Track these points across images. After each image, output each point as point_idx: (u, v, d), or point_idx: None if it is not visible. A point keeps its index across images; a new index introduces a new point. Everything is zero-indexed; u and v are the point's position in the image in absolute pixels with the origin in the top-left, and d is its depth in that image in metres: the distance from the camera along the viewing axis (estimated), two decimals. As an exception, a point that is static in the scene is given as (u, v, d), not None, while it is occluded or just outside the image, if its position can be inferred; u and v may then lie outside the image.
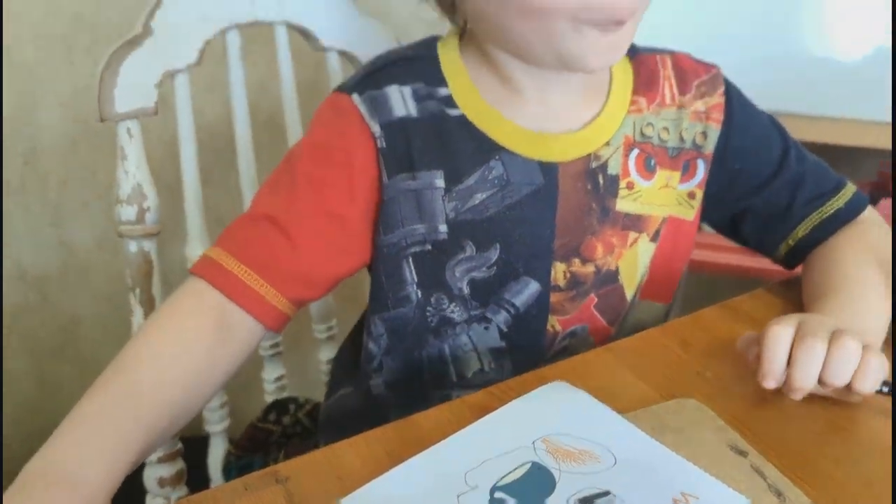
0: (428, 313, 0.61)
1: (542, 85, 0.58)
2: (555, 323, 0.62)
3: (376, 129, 0.56)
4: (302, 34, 0.78)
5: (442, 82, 0.58)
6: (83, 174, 1.20)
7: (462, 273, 0.59)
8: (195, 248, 0.75)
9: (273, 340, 0.84)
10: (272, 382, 0.85)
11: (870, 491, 0.44)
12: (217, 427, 0.80)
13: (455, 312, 0.60)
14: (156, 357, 0.50)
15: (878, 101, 1.25)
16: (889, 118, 1.25)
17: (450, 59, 0.59)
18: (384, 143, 0.57)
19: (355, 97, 0.57)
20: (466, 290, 0.59)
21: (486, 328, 0.61)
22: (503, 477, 0.44)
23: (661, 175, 0.62)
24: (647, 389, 0.52)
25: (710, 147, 0.63)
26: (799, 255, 0.65)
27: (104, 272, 1.28)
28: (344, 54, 0.81)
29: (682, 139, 0.62)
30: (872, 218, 0.66)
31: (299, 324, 0.91)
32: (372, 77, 0.58)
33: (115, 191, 0.70)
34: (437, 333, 0.61)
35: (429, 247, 0.59)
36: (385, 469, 0.44)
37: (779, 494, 0.43)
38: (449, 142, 0.57)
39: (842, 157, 1.42)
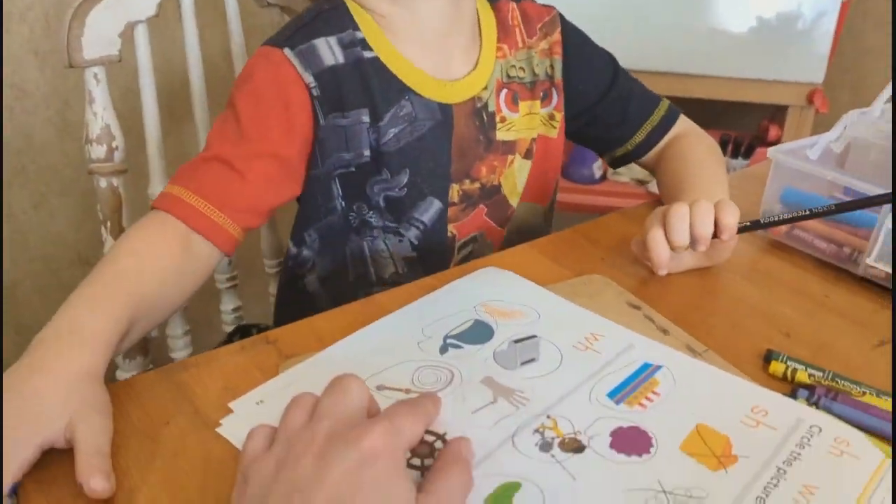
0: (350, 217, 0.72)
1: (411, 20, 0.68)
2: (452, 230, 0.75)
3: (309, 79, 0.65)
4: (248, -8, 0.87)
5: (356, 26, 0.67)
6: (18, 141, 1.23)
7: (379, 191, 0.71)
8: (157, 186, 0.82)
9: (230, 273, 0.92)
10: (230, 314, 0.93)
11: (730, 332, 0.57)
12: (181, 354, 0.88)
13: (373, 218, 0.72)
14: (133, 266, 0.57)
15: (758, 61, 1.42)
16: (769, 77, 1.43)
17: (354, 6, 0.68)
18: (318, 92, 0.65)
19: (287, 51, 0.65)
20: (382, 204, 0.71)
21: (399, 240, 0.74)
22: (452, 329, 0.55)
23: (524, 105, 0.75)
24: (562, 270, 0.64)
25: (558, 76, 0.77)
26: (629, 158, 0.82)
27: (41, 235, 1.31)
28: (284, 9, 0.89)
29: (534, 73, 0.76)
30: (692, 126, 0.82)
31: (251, 260, 1.00)
32: (300, 32, 0.66)
33: (85, 131, 0.77)
34: (359, 232, 0.73)
35: (353, 168, 0.69)
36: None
37: (664, 332, 0.56)
38: (369, 83, 0.67)
39: (726, 112, 1.61)
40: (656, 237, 0.60)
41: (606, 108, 0.80)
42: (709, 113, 1.58)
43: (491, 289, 0.60)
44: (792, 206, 0.69)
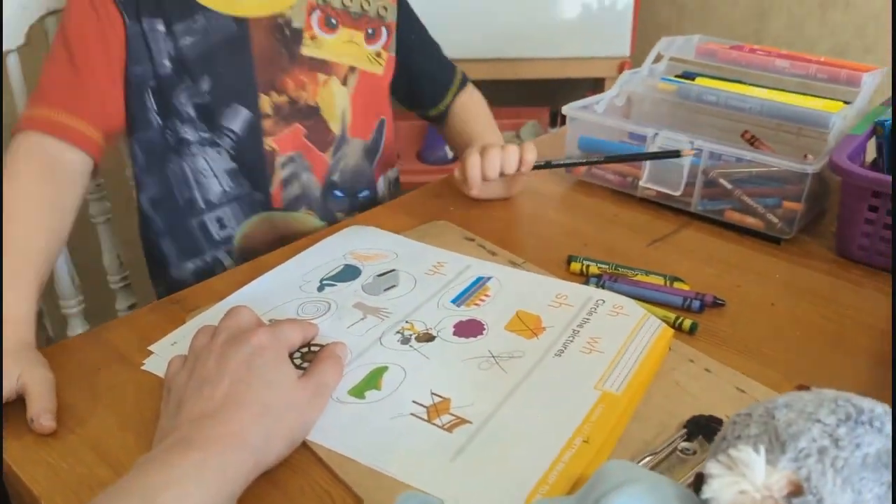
0: (167, 135, 0.79)
1: None
2: (271, 143, 0.81)
3: None
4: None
5: None
6: None
7: (186, 100, 0.78)
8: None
9: (77, 297, 0.95)
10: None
11: (542, 247, 0.74)
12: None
13: (188, 133, 0.79)
14: (16, 217, 0.65)
15: (575, 42, 1.63)
16: (586, 54, 1.64)
17: None
18: None
19: None
20: (193, 113, 0.78)
21: (218, 152, 0.80)
22: (327, 274, 0.68)
23: (344, 32, 0.83)
24: (413, 221, 0.78)
25: (391, 18, 0.87)
26: (438, 119, 0.96)
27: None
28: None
29: (363, 8, 0.84)
30: (472, 87, 0.98)
31: (97, 280, 1.06)
32: None
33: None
34: (178, 151, 0.79)
35: (158, 80, 0.77)
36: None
37: (493, 253, 0.72)
38: None
39: (554, 88, 1.81)
40: (474, 162, 0.77)
41: (425, 66, 0.92)
42: (539, 91, 1.78)
43: (356, 241, 0.74)
44: (588, 150, 0.86)
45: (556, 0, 1.61)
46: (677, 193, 0.77)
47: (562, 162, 0.80)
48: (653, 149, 0.77)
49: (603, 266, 0.68)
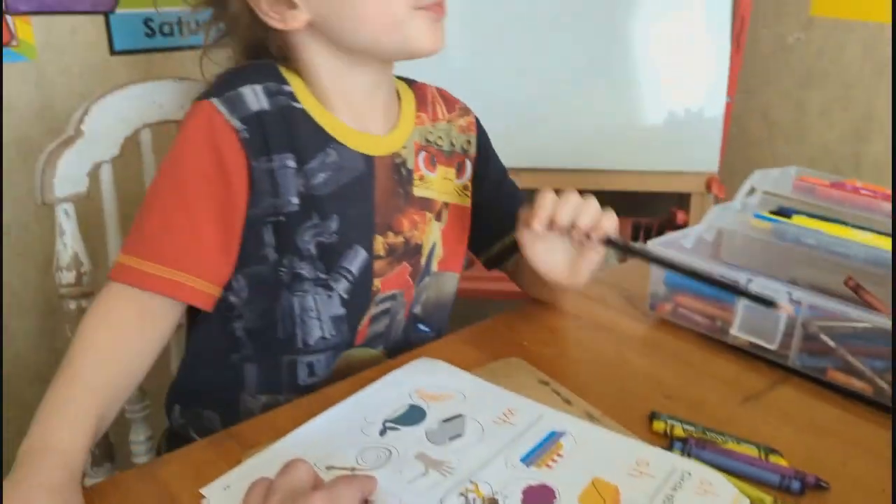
0: (281, 272, 0.73)
1: (350, 98, 0.75)
2: (377, 283, 0.78)
3: (237, 123, 0.68)
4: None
5: (285, 81, 0.73)
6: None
7: (310, 237, 0.73)
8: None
9: (142, 403, 0.95)
10: (142, 443, 0.98)
11: (622, 398, 0.68)
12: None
13: (305, 269, 0.73)
14: (97, 362, 0.63)
15: (662, 155, 1.59)
16: (672, 168, 1.60)
17: (283, 68, 0.74)
18: (246, 134, 0.69)
19: (215, 101, 0.69)
20: (314, 251, 0.73)
21: (329, 296, 0.75)
22: (390, 414, 0.65)
23: (441, 170, 0.83)
24: (482, 356, 0.75)
25: (473, 151, 0.86)
26: (497, 260, 0.88)
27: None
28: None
29: (452, 145, 0.84)
30: None
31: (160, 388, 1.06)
32: (227, 82, 0.71)
33: (55, 261, 0.86)
34: (290, 287, 0.74)
35: (283, 217, 0.71)
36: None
37: (568, 402, 0.67)
38: (294, 130, 0.71)
39: (637, 201, 1.77)
40: (548, 196, 0.71)
41: (491, 208, 0.87)
42: (623, 203, 1.74)
43: (423, 376, 0.71)
44: (675, 287, 0.81)
45: (640, 110, 1.59)
46: (773, 347, 0.71)
47: (640, 250, 0.73)
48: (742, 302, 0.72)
49: (689, 428, 0.62)
